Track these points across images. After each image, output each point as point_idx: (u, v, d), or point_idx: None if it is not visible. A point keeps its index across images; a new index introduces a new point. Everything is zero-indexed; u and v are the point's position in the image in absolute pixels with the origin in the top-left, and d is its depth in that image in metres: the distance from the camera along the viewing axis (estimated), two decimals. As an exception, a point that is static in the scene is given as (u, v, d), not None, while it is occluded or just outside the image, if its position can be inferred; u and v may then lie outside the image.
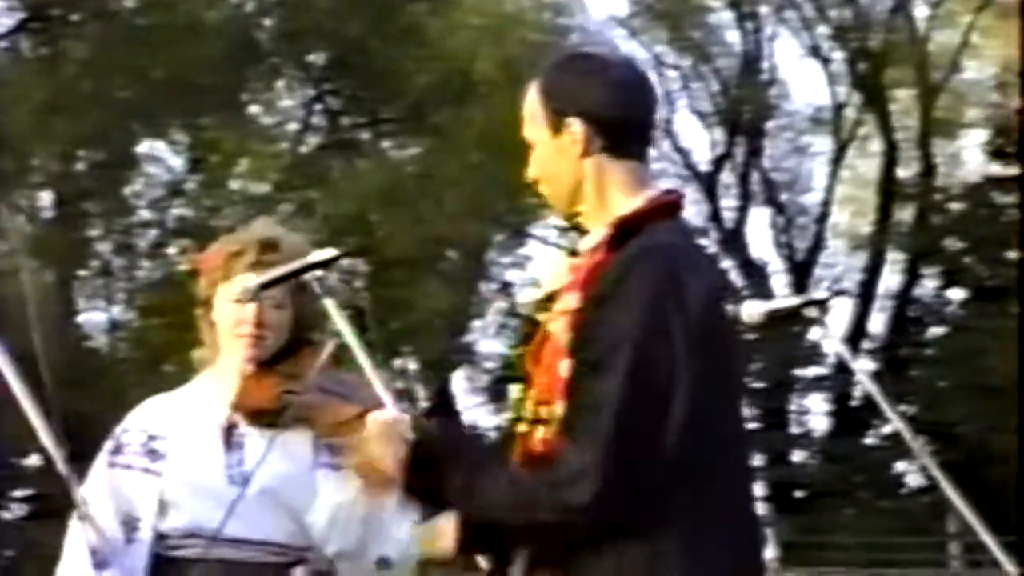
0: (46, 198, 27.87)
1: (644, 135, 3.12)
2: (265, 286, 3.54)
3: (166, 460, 3.72)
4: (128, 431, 3.78)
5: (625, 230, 3.03)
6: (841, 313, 30.64)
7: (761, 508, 24.39)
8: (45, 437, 2.83)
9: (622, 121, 3.08)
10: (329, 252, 3.48)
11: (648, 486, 2.88)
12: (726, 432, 2.99)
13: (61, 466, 2.81)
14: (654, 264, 2.98)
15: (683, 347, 2.90)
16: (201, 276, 3.87)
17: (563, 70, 3.14)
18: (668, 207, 3.10)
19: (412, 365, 29.19)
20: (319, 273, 3.41)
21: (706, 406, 2.92)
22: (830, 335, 4.47)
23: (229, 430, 3.76)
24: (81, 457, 2.97)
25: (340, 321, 3.34)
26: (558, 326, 3.03)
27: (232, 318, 3.77)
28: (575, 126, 3.07)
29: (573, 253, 3.14)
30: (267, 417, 3.74)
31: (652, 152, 3.23)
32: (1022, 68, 27.54)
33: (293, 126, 29.62)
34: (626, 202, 3.08)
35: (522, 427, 3.06)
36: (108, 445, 3.78)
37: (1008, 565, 4.26)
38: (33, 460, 22.60)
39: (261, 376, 3.78)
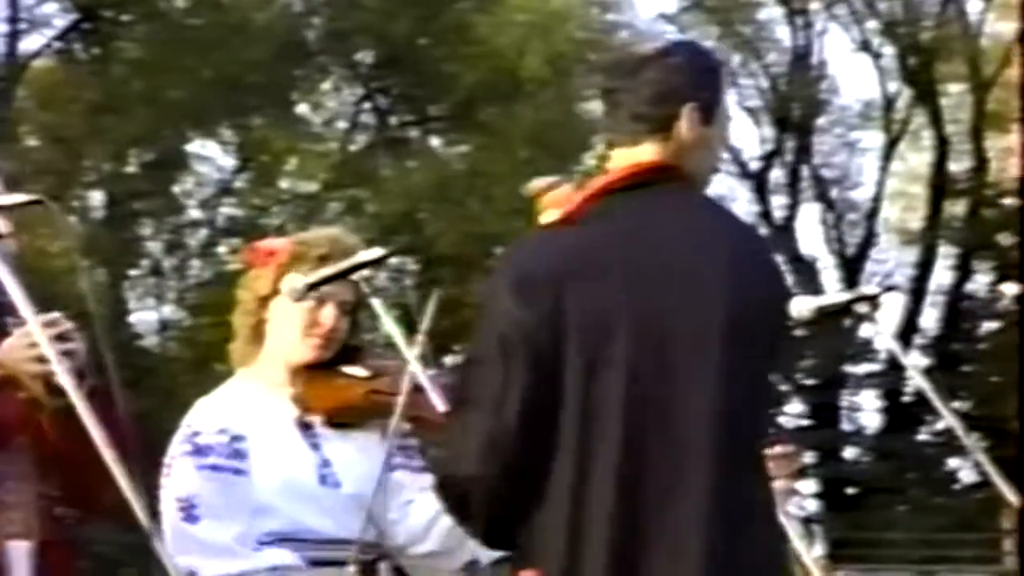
0: (97, 198, 28.07)
1: (639, 122, 3.14)
2: (313, 286, 3.53)
3: (250, 461, 3.64)
4: (202, 433, 3.65)
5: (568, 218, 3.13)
6: (892, 309, 30.49)
7: (812, 505, 24.31)
8: (124, 485, 2.79)
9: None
10: (377, 251, 3.46)
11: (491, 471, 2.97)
12: (600, 419, 2.97)
13: (140, 517, 2.77)
14: (501, 260, 3.14)
15: (513, 339, 2.95)
16: (264, 270, 3.81)
17: (662, 67, 3.21)
18: (609, 185, 3.10)
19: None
20: (366, 273, 3.41)
21: (541, 392, 2.95)
22: (881, 331, 4.43)
23: (304, 429, 3.72)
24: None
25: (388, 321, 3.33)
26: None
27: (307, 319, 3.73)
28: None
29: None
30: (351, 416, 3.71)
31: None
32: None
33: (342, 125, 29.71)
34: None
35: None
36: (181, 449, 3.64)
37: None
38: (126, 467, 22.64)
39: (329, 377, 3.73)
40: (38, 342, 3.08)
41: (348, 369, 3.73)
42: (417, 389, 3.43)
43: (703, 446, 2.98)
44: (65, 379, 2.92)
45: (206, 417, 3.69)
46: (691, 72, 3.17)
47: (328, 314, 3.70)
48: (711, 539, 2.96)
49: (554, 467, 2.97)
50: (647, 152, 3.09)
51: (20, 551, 3.21)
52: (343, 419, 3.70)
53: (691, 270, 3.03)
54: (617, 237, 3.02)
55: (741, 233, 3.24)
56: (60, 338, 3.07)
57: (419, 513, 3.68)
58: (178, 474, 3.58)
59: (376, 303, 3.36)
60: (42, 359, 3.09)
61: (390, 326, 3.37)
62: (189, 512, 3.53)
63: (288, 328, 3.72)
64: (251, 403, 3.72)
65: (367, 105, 29.59)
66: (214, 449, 3.62)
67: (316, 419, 3.71)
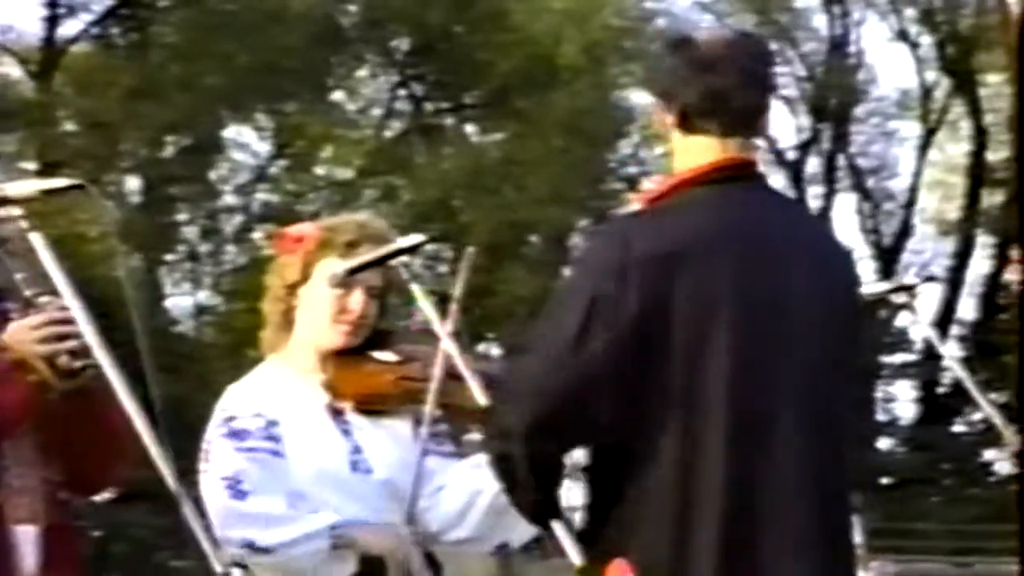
0: (134, 183, 28.16)
1: (718, 111, 3.12)
2: (352, 272, 3.53)
3: (284, 445, 3.64)
4: (238, 417, 3.65)
5: (650, 203, 3.14)
6: (930, 299, 30.39)
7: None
8: (154, 452, 2.80)
9: (685, 99, 3.13)
10: (415, 238, 3.46)
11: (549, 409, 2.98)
12: (705, 405, 2.96)
13: (170, 482, 2.78)
14: (610, 234, 3.14)
15: (613, 315, 2.95)
16: (292, 257, 3.81)
17: (654, 55, 3.26)
18: (702, 175, 3.10)
19: (495, 351, 29.26)
20: (405, 259, 3.41)
21: (646, 376, 2.95)
22: (919, 321, 4.42)
23: (335, 415, 3.72)
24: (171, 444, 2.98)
25: (427, 307, 3.33)
26: None
27: (335, 305, 3.72)
28: (656, 106, 3.18)
29: None
30: (382, 402, 3.71)
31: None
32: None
33: (377, 112, 29.72)
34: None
35: None
36: (219, 432, 3.65)
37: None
38: (131, 450, 22.75)
39: (359, 363, 3.73)
40: (41, 324, 3.08)
41: (378, 355, 3.73)
42: (450, 376, 3.43)
43: (806, 440, 3.00)
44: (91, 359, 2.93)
45: (240, 402, 3.70)
46: (772, 66, 3.23)
47: (357, 300, 3.70)
48: (825, 538, 3.00)
49: (655, 457, 2.94)
50: (734, 146, 3.11)
51: (28, 535, 3.22)
52: (373, 406, 3.70)
53: (787, 261, 3.07)
54: (719, 225, 3.04)
55: (818, 227, 3.44)
56: (65, 321, 3.08)
57: (452, 499, 3.67)
58: (218, 456, 3.60)
59: (416, 288, 3.37)
60: (48, 340, 3.10)
61: (428, 311, 3.37)
62: (236, 489, 3.54)
63: (317, 315, 3.72)
64: (282, 389, 3.73)
65: (402, 92, 29.60)
66: (251, 432, 3.64)
67: (347, 405, 3.71)
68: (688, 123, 3.13)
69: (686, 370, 2.94)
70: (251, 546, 3.49)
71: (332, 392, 3.71)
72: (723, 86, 3.11)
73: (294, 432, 3.66)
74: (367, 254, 3.55)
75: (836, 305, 3.13)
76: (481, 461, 3.53)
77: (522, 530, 3.57)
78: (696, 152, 3.13)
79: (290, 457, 3.63)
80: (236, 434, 3.64)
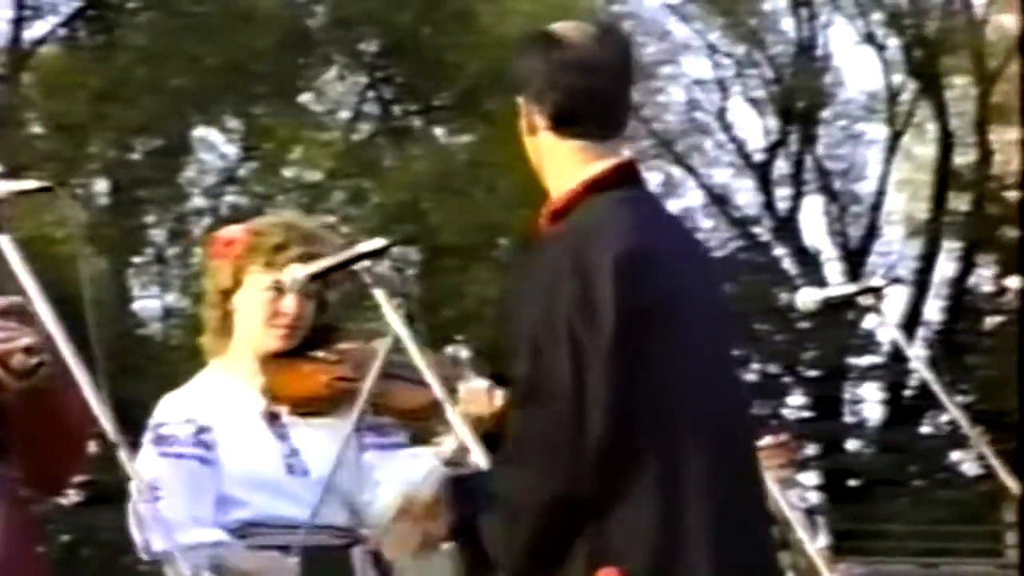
0: (102, 185, 28.04)
1: (596, 113, 3.07)
2: (315, 277, 3.54)
3: (217, 452, 3.66)
4: (168, 424, 3.68)
5: (557, 215, 3.05)
6: (896, 301, 30.48)
7: (815, 497, 24.31)
8: (105, 422, 2.83)
9: (561, 100, 3.04)
10: (378, 242, 3.47)
11: (577, 472, 2.87)
12: (680, 405, 2.93)
13: (123, 453, 2.81)
14: (555, 248, 2.97)
15: (589, 327, 2.87)
16: (223, 262, 3.80)
17: (519, 52, 3.15)
18: (604, 180, 3.05)
19: (464, 353, 29.21)
20: (367, 263, 3.41)
21: (634, 382, 2.88)
22: (886, 323, 4.45)
23: (271, 420, 3.73)
24: (136, 444, 2.99)
25: (389, 310, 3.34)
26: None
27: (268, 309, 3.72)
28: (523, 106, 3.08)
29: None
30: (316, 405, 3.72)
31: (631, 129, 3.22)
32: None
33: (345, 114, 29.67)
34: (568, 183, 3.05)
35: None
36: (147, 437, 3.69)
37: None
38: (89, 446, 22.71)
39: (295, 365, 3.73)
40: None
41: (317, 354, 3.74)
42: (389, 375, 3.45)
43: (740, 430, 3.04)
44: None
45: (172, 408, 3.73)
46: (633, 60, 3.20)
47: (289, 303, 3.71)
48: (765, 523, 3.04)
49: (637, 459, 2.92)
50: (611, 147, 3.07)
51: None
52: (308, 409, 3.72)
53: (691, 263, 3.08)
54: (645, 230, 3.03)
55: (687, 227, 3.49)
56: (22, 320, 3.08)
57: (390, 492, 3.67)
58: (142, 460, 3.62)
59: (378, 293, 3.37)
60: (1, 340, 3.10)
61: (391, 316, 3.37)
62: (151, 494, 3.55)
63: (252, 319, 3.72)
64: (219, 395, 3.74)
65: (371, 94, 29.55)
66: (178, 439, 3.68)
67: (283, 409, 3.72)
68: (562, 125, 3.07)
69: (659, 372, 2.94)
70: (147, 550, 3.50)
71: (269, 396, 3.72)
72: (598, 86, 3.06)
73: (228, 438, 3.68)
74: (328, 259, 3.55)
75: (723, 301, 3.19)
76: (419, 451, 3.55)
77: None
78: (572, 155, 3.07)
79: (223, 463, 3.64)
80: (162, 440, 3.68)
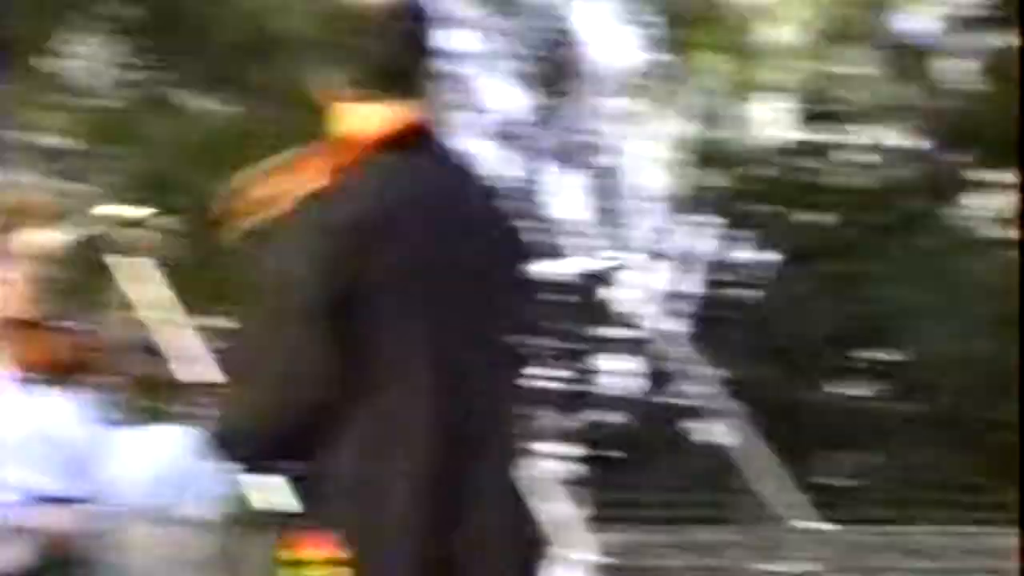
0: None
1: (383, 76, 3.17)
2: (59, 246, 3.48)
3: None
4: None
5: (335, 173, 3.17)
6: (654, 275, 30.97)
7: (575, 467, 24.60)
8: None
9: (358, 65, 3.17)
10: (139, 211, 3.44)
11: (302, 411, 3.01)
12: (412, 368, 2.99)
13: None
14: (316, 207, 3.22)
15: (321, 287, 3.05)
16: None
17: (319, 21, 3.24)
18: (387, 141, 3.16)
19: (223, 322, 28.93)
20: (130, 232, 3.38)
21: (356, 343, 3.01)
22: (642, 297, 4.53)
23: (21, 386, 3.67)
24: None
25: (122, 278, 3.31)
26: None
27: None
28: (319, 76, 3.24)
29: None
30: (58, 372, 3.67)
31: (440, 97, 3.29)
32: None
33: (104, 82, 29.13)
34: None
35: None
36: None
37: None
38: None
39: (33, 334, 3.69)
40: None
41: (63, 324, 3.71)
42: (147, 349, 3.43)
43: (496, 396, 3.07)
44: None
45: None
46: (431, 29, 3.27)
47: (23, 271, 3.67)
48: (511, 492, 3.06)
49: (356, 420, 2.96)
50: (404, 110, 3.15)
51: None
52: (54, 375, 3.69)
53: (464, 226, 3.13)
54: (408, 192, 3.09)
55: (488, 192, 3.54)
56: None
57: (141, 469, 3.66)
58: None
59: (113, 261, 3.34)
60: None
61: (126, 286, 3.34)
62: None
63: None
64: None
65: (130, 62, 29.06)
66: None
67: (29, 376, 3.69)
68: (356, 90, 3.18)
69: (390, 337, 2.98)
70: None
71: (14, 363, 3.68)
72: (387, 52, 3.16)
73: None
74: (74, 228, 3.51)
75: (506, 264, 3.24)
76: (166, 430, 3.54)
77: (214, 495, 3.60)
78: (366, 118, 3.18)
79: None
80: None
